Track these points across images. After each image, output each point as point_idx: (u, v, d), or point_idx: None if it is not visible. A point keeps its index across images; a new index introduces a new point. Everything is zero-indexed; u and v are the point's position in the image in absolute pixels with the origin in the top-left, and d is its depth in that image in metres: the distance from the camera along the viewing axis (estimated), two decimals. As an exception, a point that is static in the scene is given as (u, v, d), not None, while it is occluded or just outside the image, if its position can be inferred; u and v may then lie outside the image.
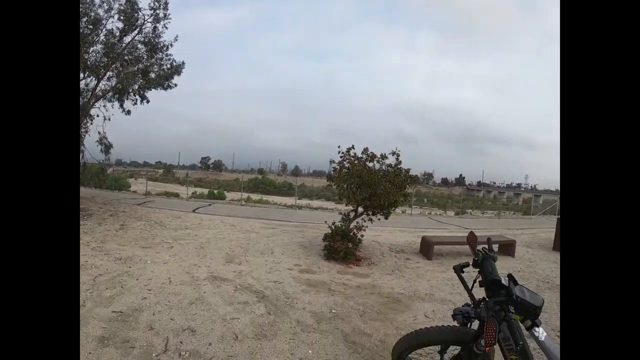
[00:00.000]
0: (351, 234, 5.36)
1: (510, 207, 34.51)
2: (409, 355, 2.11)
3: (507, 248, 6.79)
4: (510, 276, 1.78)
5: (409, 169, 5.72)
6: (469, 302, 1.83)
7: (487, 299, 1.72)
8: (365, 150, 5.69)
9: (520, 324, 1.74)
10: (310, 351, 2.52)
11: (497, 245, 6.78)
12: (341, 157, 5.70)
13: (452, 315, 1.80)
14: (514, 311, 1.64)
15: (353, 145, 5.68)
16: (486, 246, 1.96)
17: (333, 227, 5.47)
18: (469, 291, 1.84)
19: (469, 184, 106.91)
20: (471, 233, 2.06)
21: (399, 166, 5.65)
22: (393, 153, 5.67)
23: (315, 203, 19.57)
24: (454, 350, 2.00)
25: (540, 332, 1.72)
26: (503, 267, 5.78)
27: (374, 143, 5.95)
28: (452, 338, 1.96)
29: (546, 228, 10.85)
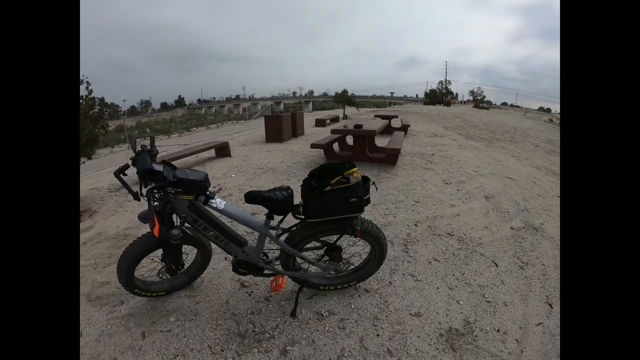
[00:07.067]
0: None
1: (232, 117, 37.55)
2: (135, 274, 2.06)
3: (223, 150, 7.04)
4: (165, 162, 1.82)
5: (102, 98, 4.91)
6: None
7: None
8: None
9: (198, 203, 1.84)
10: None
11: (213, 149, 7.00)
12: None
13: (139, 219, 1.87)
14: (173, 192, 1.69)
15: None
16: (147, 144, 1.93)
17: None
18: (129, 189, 1.76)
19: (190, 104, 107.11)
20: (131, 135, 1.97)
21: (92, 96, 4.81)
22: (81, 82, 4.73)
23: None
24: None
25: (218, 202, 1.88)
26: (222, 167, 6.05)
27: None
28: (154, 242, 1.94)
29: (261, 127, 12.14)
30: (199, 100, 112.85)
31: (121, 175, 1.75)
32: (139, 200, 1.76)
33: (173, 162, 1.96)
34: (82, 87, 4.76)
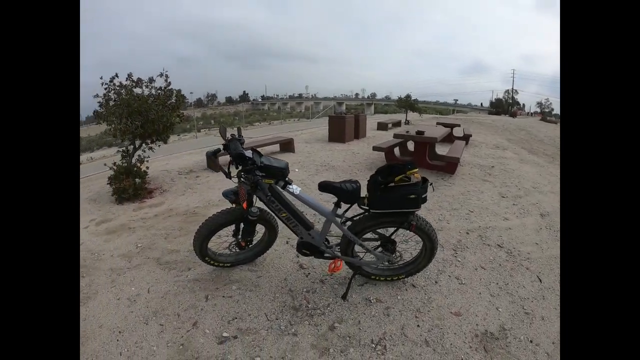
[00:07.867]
0: (135, 168, 4.95)
1: (294, 115, 38.68)
2: (209, 245, 2.39)
3: (287, 146, 7.46)
4: (254, 149, 2.13)
5: (179, 90, 5.50)
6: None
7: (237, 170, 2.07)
8: (130, 75, 5.10)
9: (277, 187, 2.13)
10: (133, 288, 2.49)
11: (278, 144, 7.47)
12: (105, 88, 4.98)
13: (223, 196, 2.20)
14: (261, 175, 2.04)
15: (117, 74, 5.01)
16: (236, 133, 2.24)
17: (115, 167, 4.90)
18: (222, 169, 2.10)
19: (254, 99, 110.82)
20: (221, 125, 2.29)
21: (169, 87, 5.38)
22: (161, 74, 5.33)
23: (97, 154, 15.95)
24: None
25: (295, 188, 2.16)
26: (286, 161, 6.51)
27: (150, 72, 5.41)
28: (233, 217, 2.26)
29: (324, 127, 12.54)
30: (262, 96, 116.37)
31: (214, 156, 2.14)
32: (230, 179, 2.09)
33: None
34: (162, 79, 5.29)
